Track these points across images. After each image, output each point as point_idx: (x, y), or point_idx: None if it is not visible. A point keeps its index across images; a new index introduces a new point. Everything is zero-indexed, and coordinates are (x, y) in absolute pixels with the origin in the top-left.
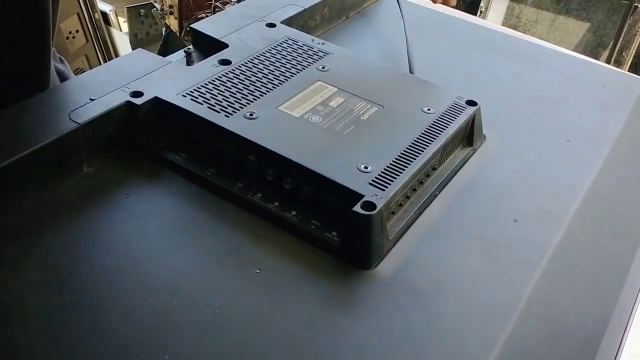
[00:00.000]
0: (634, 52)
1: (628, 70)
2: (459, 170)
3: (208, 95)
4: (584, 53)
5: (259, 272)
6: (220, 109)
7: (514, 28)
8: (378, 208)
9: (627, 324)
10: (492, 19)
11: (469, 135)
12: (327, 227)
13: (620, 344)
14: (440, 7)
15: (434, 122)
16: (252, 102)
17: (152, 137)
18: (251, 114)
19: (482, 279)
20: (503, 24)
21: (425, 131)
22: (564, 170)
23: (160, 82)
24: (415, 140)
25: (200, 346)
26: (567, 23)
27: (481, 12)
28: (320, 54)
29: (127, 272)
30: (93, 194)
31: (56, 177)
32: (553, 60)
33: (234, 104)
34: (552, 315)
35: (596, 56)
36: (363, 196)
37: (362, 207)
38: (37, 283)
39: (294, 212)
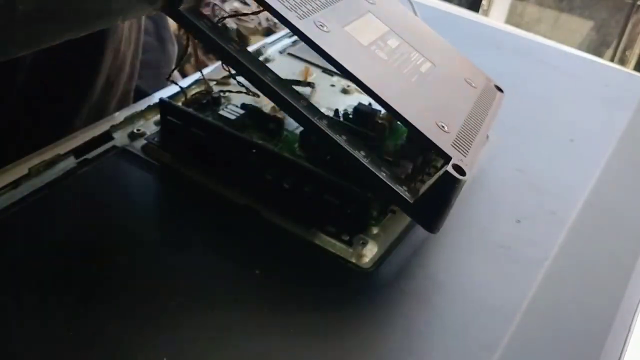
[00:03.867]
0: (637, 50)
1: (632, 69)
2: None
3: None
4: (587, 51)
5: (259, 273)
6: (291, 7)
7: (517, 26)
8: (467, 174)
9: (631, 325)
10: (495, 17)
11: None
12: (393, 179)
13: (624, 345)
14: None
15: (480, 96)
16: (318, 10)
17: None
18: (322, 25)
19: (484, 280)
20: (506, 22)
21: (477, 103)
22: (568, 170)
23: None
24: (472, 110)
25: (199, 346)
26: (570, 21)
27: (483, 10)
28: None
29: (124, 267)
30: None
31: None
32: (556, 58)
33: (301, 5)
34: (556, 317)
35: (600, 55)
36: (451, 158)
37: (455, 170)
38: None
39: (362, 153)
